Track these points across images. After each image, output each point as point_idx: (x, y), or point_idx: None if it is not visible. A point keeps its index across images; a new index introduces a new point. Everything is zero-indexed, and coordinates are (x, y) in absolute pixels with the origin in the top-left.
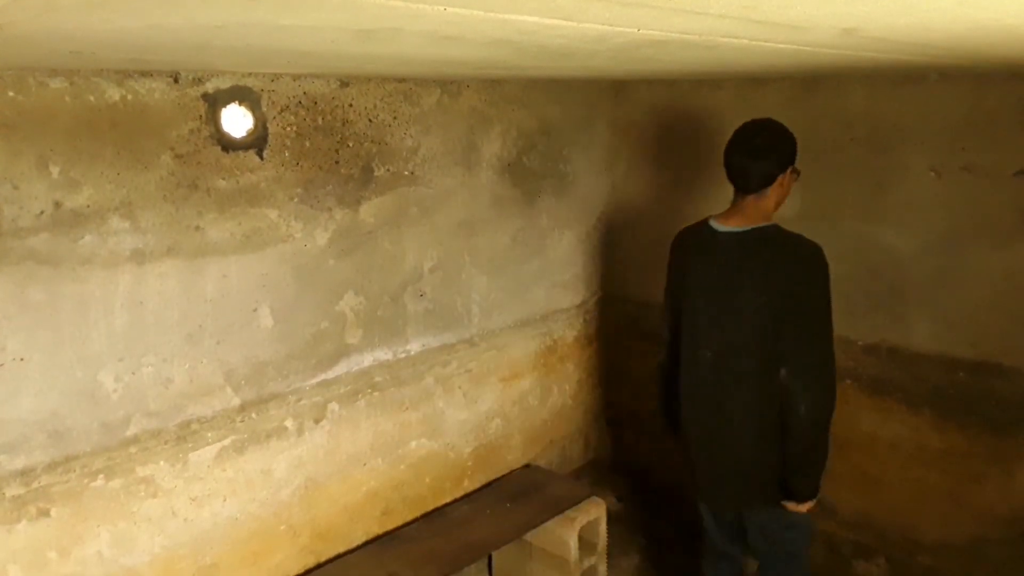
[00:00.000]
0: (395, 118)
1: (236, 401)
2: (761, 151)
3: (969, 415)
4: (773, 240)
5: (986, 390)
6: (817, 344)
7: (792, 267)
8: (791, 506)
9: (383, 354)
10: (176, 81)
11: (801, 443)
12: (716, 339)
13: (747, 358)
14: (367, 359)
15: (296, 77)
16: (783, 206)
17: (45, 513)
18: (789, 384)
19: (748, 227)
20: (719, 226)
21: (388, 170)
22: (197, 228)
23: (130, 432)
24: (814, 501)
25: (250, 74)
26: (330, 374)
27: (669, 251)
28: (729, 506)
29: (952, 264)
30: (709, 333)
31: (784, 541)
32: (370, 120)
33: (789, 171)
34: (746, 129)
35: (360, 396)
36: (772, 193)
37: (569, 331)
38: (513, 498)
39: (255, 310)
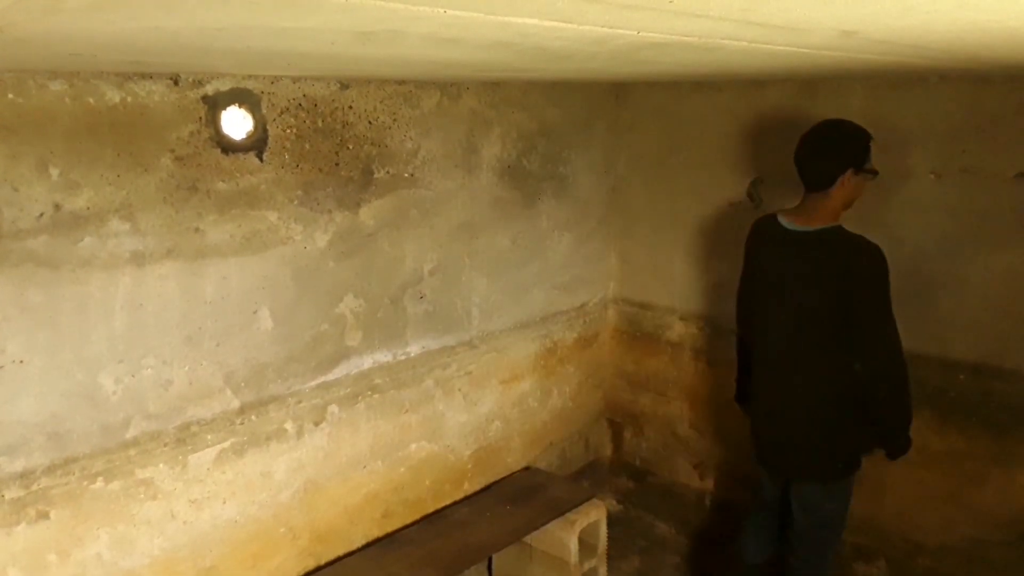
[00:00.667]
0: (395, 120)
1: (236, 403)
2: (823, 149)
3: (969, 417)
4: (836, 242)
5: (986, 392)
6: (882, 336)
7: (854, 268)
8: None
9: (383, 356)
10: (176, 83)
11: (888, 420)
12: (785, 328)
13: (811, 348)
14: (367, 361)
15: (296, 79)
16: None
17: (44, 515)
18: (864, 375)
19: (813, 228)
20: (788, 224)
21: (388, 172)
22: (197, 230)
23: (130, 434)
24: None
25: (250, 76)
26: (330, 376)
27: (745, 241)
28: (782, 473)
29: (952, 266)
30: (779, 322)
31: (821, 517)
32: (370, 122)
33: (852, 171)
34: (816, 127)
35: (360, 398)
36: (836, 193)
37: (569, 333)
38: (513, 500)
39: (255, 312)
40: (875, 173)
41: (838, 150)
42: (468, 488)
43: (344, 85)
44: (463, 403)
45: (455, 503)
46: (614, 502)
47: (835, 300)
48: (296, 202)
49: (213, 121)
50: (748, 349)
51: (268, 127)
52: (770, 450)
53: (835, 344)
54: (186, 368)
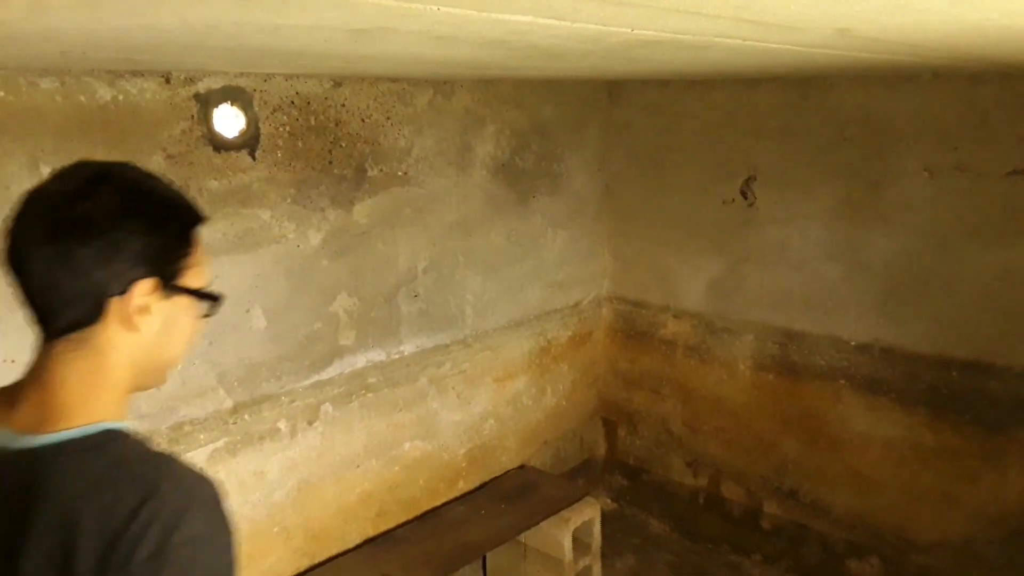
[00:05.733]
0: (388, 118)
1: (229, 403)
2: (75, 230)
3: (962, 414)
4: (101, 475)
5: (979, 389)
6: None
7: (144, 551)
8: None
9: (377, 355)
10: (168, 81)
11: None
12: None
13: None
14: (360, 360)
15: (289, 77)
16: None
17: None
18: None
19: (47, 436)
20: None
21: (381, 170)
22: None
23: None
24: None
25: (242, 74)
26: (323, 375)
27: None
28: None
29: (945, 263)
30: None
31: None
32: (363, 120)
33: (157, 284)
34: (59, 186)
35: (354, 397)
36: (111, 338)
37: (563, 331)
38: (507, 499)
39: (248, 311)
40: (216, 301)
41: (117, 233)
42: (462, 487)
43: (337, 83)
44: (457, 402)
45: (449, 502)
46: (608, 500)
47: None
48: (289, 200)
49: (205, 119)
50: None
51: (260, 125)
52: None
53: None
54: (178, 367)
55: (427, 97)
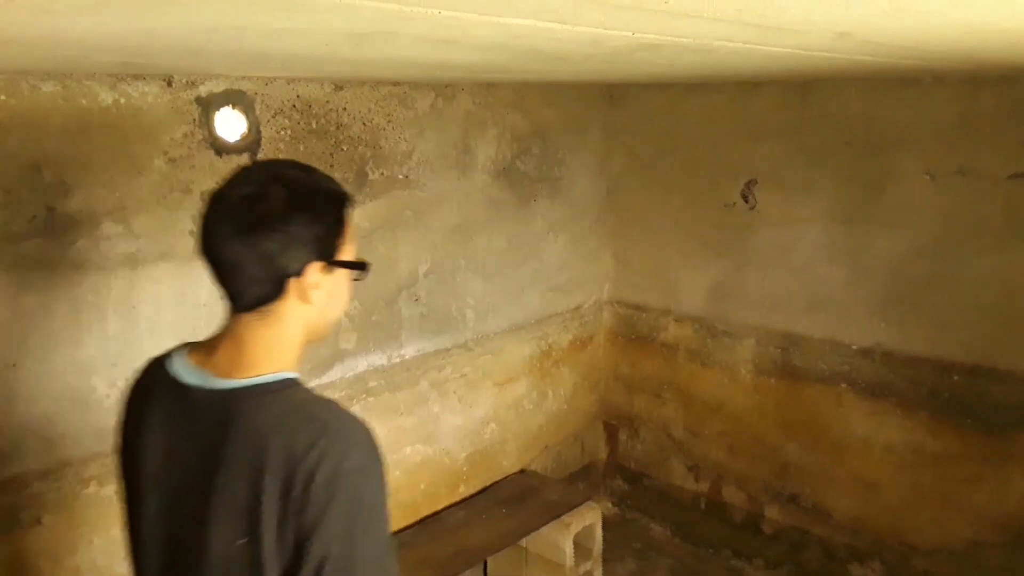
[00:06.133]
0: (389, 122)
1: None
2: (260, 229)
3: (964, 418)
4: (279, 412)
5: (981, 393)
6: None
7: (314, 469)
8: None
9: (378, 359)
10: (169, 85)
11: None
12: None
13: None
14: (361, 364)
15: (290, 80)
16: None
17: (37, 520)
18: None
19: (235, 381)
20: (189, 371)
21: (382, 174)
22: (191, 232)
23: None
24: None
25: (244, 77)
26: (324, 379)
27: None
28: None
29: (946, 267)
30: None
31: None
32: (364, 124)
33: (324, 265)
34: (238, 183)
35: (354, 401)
36: (287, 310)
37: (564, 335)
38: (508, 503)
39: None
40: (364, 268)
41: (291, 225)
42: (463, 491)
43: (338, 86)
44: (458, 406)
45: (450, 506)
46: (609, 505)
47: (268, 550)
48: None
49: (206, 122)
50: None
51: (262, 128)
52: None
53: None
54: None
55: (428, 100)
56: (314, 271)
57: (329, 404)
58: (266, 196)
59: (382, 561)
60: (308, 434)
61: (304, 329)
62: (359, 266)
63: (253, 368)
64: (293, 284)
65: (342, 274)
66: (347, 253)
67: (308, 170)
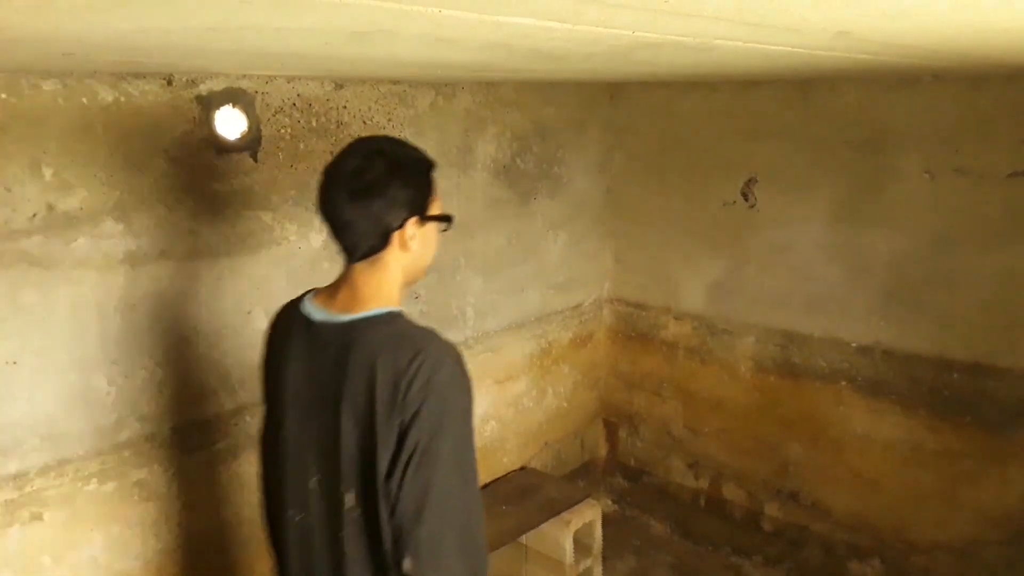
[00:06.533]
0: (390, 120)
1: (230, 405)
2: (364, 191)
3: (963, 416)
4: (387, 339)
5: (980, 391)
6: (455, 519)
7: (414, 384)
8: None
9: None
10: (170, 83)
11: None
12: (308, 481)
13: (346, 521)
14: None
15: (290, 79)
16: None
17: (38, 517)
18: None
19: (351, 315)
20: (316, 310)
21: None
22: (191, 231)
23: (124, 436)
24: None
25: (244, 76)
26: None
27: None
28: None
29: (946, 265)
30: (301, 471)
31: None
32: (365, 122)
33: (415, 220)
34: (349, 155)
35: None
36: (391, 258)
37: (564, 333)
38: (508, 500)
39: (249, 313)
40: (449, 220)
41: (390, 189)
42: None
43: (339, 85)
44: None
45: None
46: (609, 502)
47: (382, 442)
48: (290, 202)
49: (207, 121)
50: (272, 533)
51: (262, 127)
52: None
53: (386, 526)
54: (180, 369)
55: (428, 99)
56: (411, 225)
57: (427, 330)
58: (371, 167)
59: (462, 454)
60: (409, 352)
61: (403, 273)
62: (445, 219)
63: (366, 305)
64: (395, 236)
65: (432, 226)
66: (435, 209)
67: (401, 143)
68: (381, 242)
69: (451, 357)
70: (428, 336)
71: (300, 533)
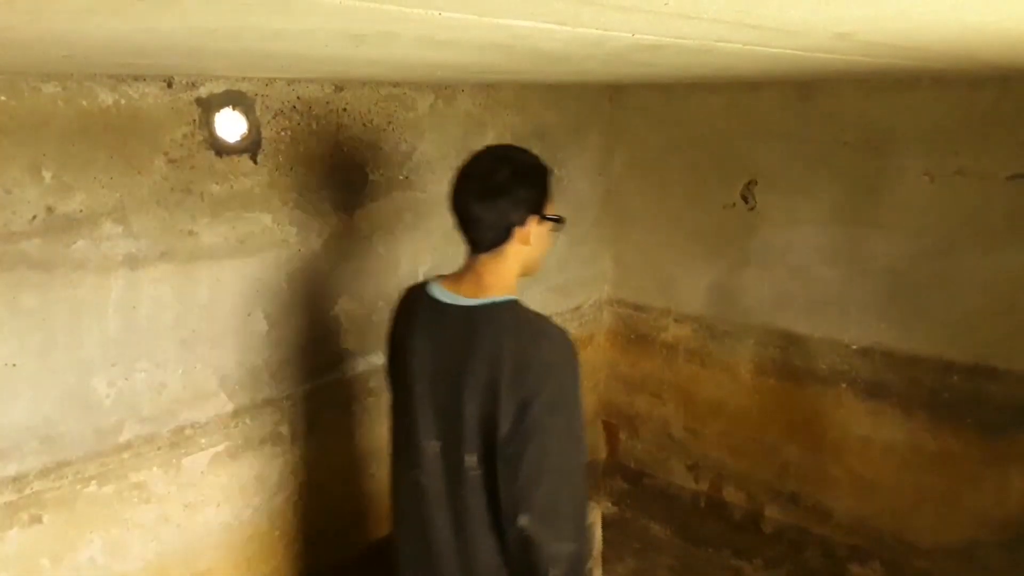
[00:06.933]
0: (389, 123)
1: (230, 406)
2: (495, 191)
3: (963, 418)
4: (509, 323)
5: (980, 393)
6: (567, 481)
7: (533, 364)
8: None
9: (377, 359)
10: (169, 85)
11: None
12: (432, 449)
13: (468, 484)
14: (361, 364)
15: (290, 81)
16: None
17: (37, 520)
18: (529, 537)
19: (478, 300)
20: (443, 294)
21: (382, 175)
22: (191, 233)
23: (123, 438)
24: None
25: (244, 78)
26: (324, 379)
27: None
28: None
29: (946, 267)
30: (426, 441)
31: None
32: (364, 125)
33: (536, 219)
34: (481, 160)
35: (355, 402)
36: (512, 252)
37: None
38: None
39: (249, 315)
40: (562, 221)
41: (515, 191)
42: None
43: (339, 87)
44: None
45: None
46: (609, 504)
47: (503, 413)
48: (290, 204)
49: (207, 123)
50: (392, 491)
51: (262, 129)
52: None
53: (503, 487)
54: (180, 371)
55: (428, 102)
56: (532, 222)
57: (543, 317)
58: (499, 171)
59: (574, 429)
60: (532, 338)
61: (520, 265)
62: (559, 219)
63: (489, 292)
64: (517, 232)
65: (547, 225)
66: (551, 210)
67: (524, 151)
68: (504, 236)
69: (567, 343)
70: (547, 323)
71: (417, 490)
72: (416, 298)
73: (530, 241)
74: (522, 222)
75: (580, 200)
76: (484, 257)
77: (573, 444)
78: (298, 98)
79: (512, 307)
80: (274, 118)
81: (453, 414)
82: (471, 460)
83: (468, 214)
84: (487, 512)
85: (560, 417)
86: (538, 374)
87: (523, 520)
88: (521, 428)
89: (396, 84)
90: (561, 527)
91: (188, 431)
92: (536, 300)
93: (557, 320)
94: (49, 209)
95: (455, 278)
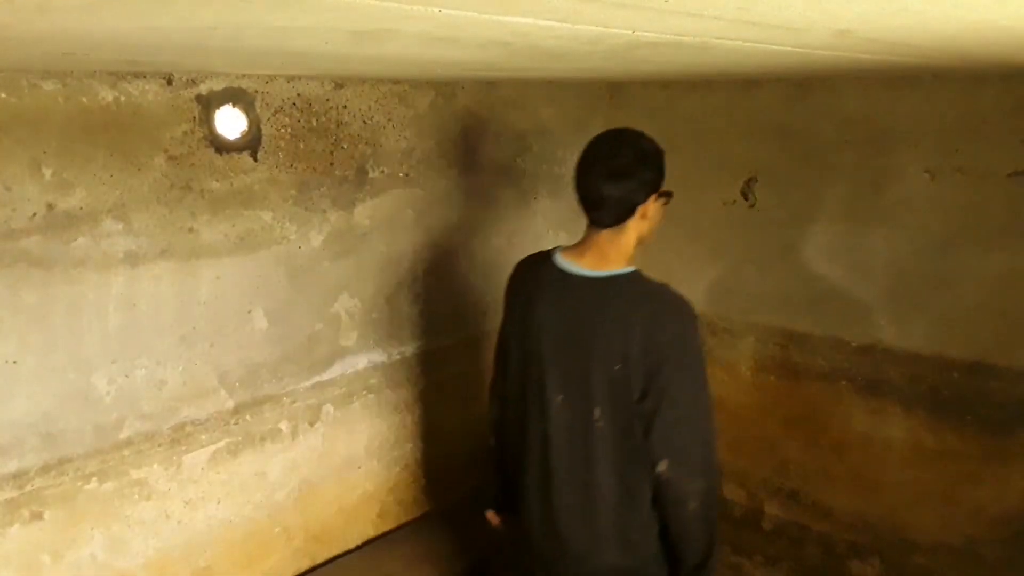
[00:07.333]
0: (389, 120)
1: (230, 403)
2: (620, 171)
3: (964, 416)
4: (635, 291)
5: (980, 390)
6: (697, 426)
7: (659, 327)
8: None
9: (378, 356)
10: (169, 83)
11: (698, 546)
12: (566, 409)
13: (601, 439)
14: (362, 361)
15: (290, 78)
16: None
17: (38, 516)
18: (670, 480)
19: (603, 272)
20: (569, 265)
21: (383, 172)
22: (191, 230)
23: (123, 435)
24: None
25: (244, 75)
26: (325, 376)
27: (505, 287)
28: None
29: (946, 265)
30: (556, 400)
31: None
32: (364, 122)
33: (654, 198)
34: (604, 142)
35: (355, 398)
36: (633, 227)
37: None
38: None
39: (249, 312)
40: (671, 196)
41: (638, 172)
42: (464, 488)
43: (339, 84)
44: (458, 403)
45: (451, 503)
46: None
47: (635, 375)
48: (291, 202)
49: (207, 120)
50: (508, 439)
51: (262, 126)
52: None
53: (634, 438)
54: (180, 368)
55: (428, 99)
56: (651, 200)
57: (665, 286)
58: (622, 154)
59: (702, 387)
60: (659, 307)
61: (638, 239)
62: (671, 195)
63: (612, 264)
64: (639, 209)
65: (661, 201)
66: (664, 187)
67: (642, 135)
68: (628, 214)
69: (688, 307)
70: (669, 291)
71: (541, 439)
72: (540, 269)
73: (648, 216)
74: (644, 200)
75: None
76: (607, 232)
77: (700, 395)
78: (298, 95)
79: (637, 277)
80: (274, 115)
81: (581, 374)
82: (597, 413)
83: (596, 194)
84: (610, 457)
85: (687, 373)
86: (666, 338)
87: (661, 466)
88: (655, 388)
89: (396, 81)
90: (694, 468)
91: (188, 428)
92: None
93: None
94: (49, 206)
95: (578, 251)
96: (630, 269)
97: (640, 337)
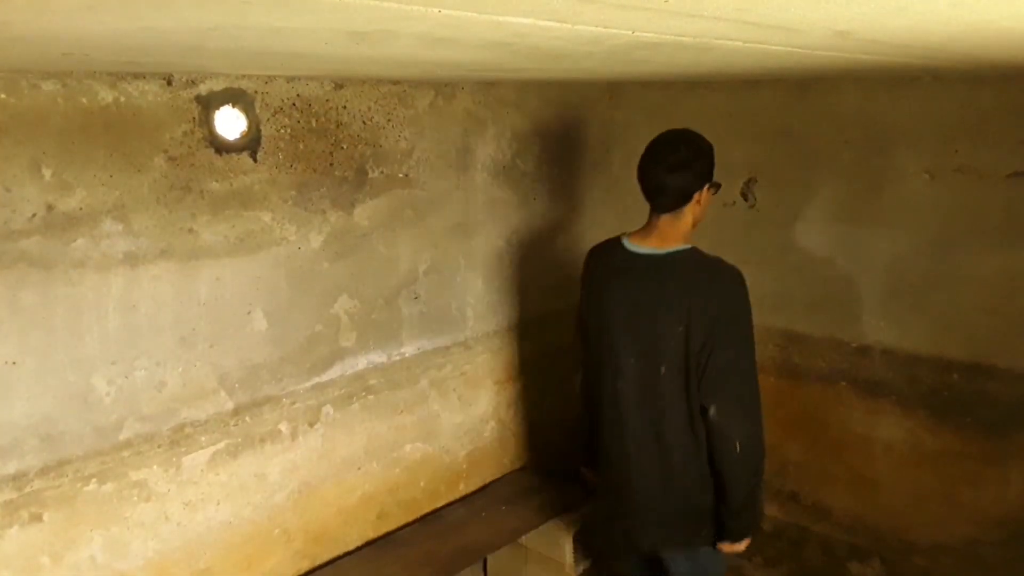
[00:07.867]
0: (389, 120)
1: (230, 405)
2: (679, 165)
3: (963, 416)
4: (693, 265)
5: (980, 391)
6: (745, 379)
7: (715, 294)
8: (727, 547)
9: (377, 357)
10: (169, 83)
11: (742, 484)
12: (640, 370)
13: (670, 392)
14: (361, 362)
15: (290, 79)
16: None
17: (37, 518)
18: (719, 422)
19: (666, 250)
20: (636, 246)
21: (382, 172)
22: (190, 231)
23: (123, 436)
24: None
25: (244, 76)
26: (324, 377)
27: (582, 271)
28: (648, 545)
29: (946, 265)
30: (631, 363)
31: None
32: (364, 122)
33: (707, 187)
34: (665, 140)
35: (354, 399)
36: (689, 211)
37: (565, 334)
38: (508, 501)
39: (249, 313)
40: (720, 186)
41: (694, 165)
42: (463, 489)
43: (338, 85)
44: (458, 404)
45: (450, 504)
46: None
47: (694, 333)
48: (290, 202)
49: (206, 121)
50: (593, 400)
51: (262, 127)
52: (636, 527)
53: (694, 388)
54: (180, 369)
55: (428, 99)
56: (704, 189)
57: (720, 260)
58: (680, 150)
59: (750, 346)
60: (712, 274)
61: (692, 221)
62: (719, 185)
63: (673, 243)
64: (695, 196)
65: (712, 189)
66: (714, 178)
67: (695, 133)
68: (685, 200)
69: (739, 275)
70: (723, 262)
71: (616, 393)
72: (611, 252)
73: (701, 202)
74: (699, 188)
75: (579, 198)
76: (666, 217)
77: (748, 350)
78: (298, 96)
79: (694, 253)
80: (274, 116)
81: (650, 337)
82: (664, 368)
83: (657, 184)
84: (679, 404)
85: (736, 329)
86: (720, 301)
87: (712, 411)
88: (709, 341)
89: (396, 82)
90: (742, 413)
91: (188, 429)
92: (535, 299)
93: (556, 320)
94: (49, 207)
95: (642, 234)
96: (689, 246)
97: (699, 300)
